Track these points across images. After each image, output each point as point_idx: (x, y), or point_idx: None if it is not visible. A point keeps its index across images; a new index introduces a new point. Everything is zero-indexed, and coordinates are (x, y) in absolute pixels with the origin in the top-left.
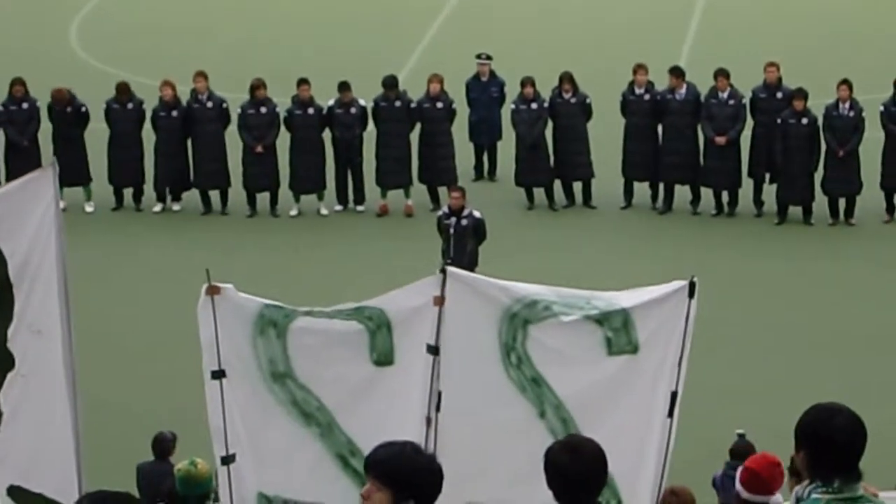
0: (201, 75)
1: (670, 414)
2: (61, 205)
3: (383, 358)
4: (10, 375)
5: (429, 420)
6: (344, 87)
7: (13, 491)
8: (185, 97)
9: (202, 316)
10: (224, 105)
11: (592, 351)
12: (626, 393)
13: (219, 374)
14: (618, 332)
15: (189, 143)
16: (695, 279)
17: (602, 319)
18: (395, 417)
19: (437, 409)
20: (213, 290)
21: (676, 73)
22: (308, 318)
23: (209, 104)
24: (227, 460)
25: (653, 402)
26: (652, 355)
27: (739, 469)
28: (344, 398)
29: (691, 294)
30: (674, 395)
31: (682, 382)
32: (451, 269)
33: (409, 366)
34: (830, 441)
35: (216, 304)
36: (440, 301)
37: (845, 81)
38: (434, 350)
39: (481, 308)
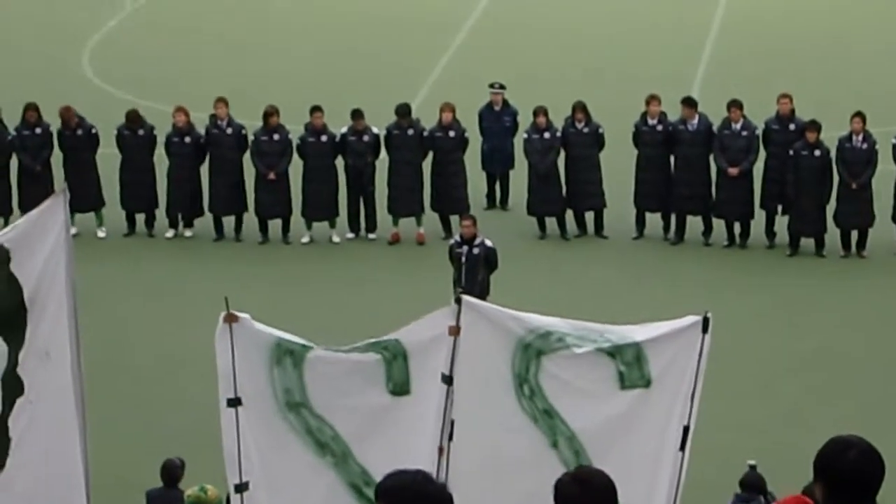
0: (222, 101)
1: (682, 448)
2: (73, 230)
3: (399, 388)
4: (19, 401)
5: (441, 449)
6: (357, 114)
7: None
8: (198, 123)
9: (220, 344)
10: (243, 132)
11: (605, 384)
12: (639, 427)
13: (234, 402)
14: (630, 367)
15: (202, 169)
16: (709, 314)
17: (615, 353)
18: (409, 447)
19: (450, 437)
20: (231, 318)
21: (689, 103)
22: (325, 350)
23: (229, 130)
24: (241, 488)
25: (664, 436)
26: (664, 390)
27: None
28: (359, 428)
29: (705, 329)
30: (686, 430)
31: (694, 417)
32: (466, 298)
33: (424, 395)
34: (843, 474)
35: (234, 333)
36: (455, 331)
37: (859, 114)
38: (448, 380)
39: (495, 338)
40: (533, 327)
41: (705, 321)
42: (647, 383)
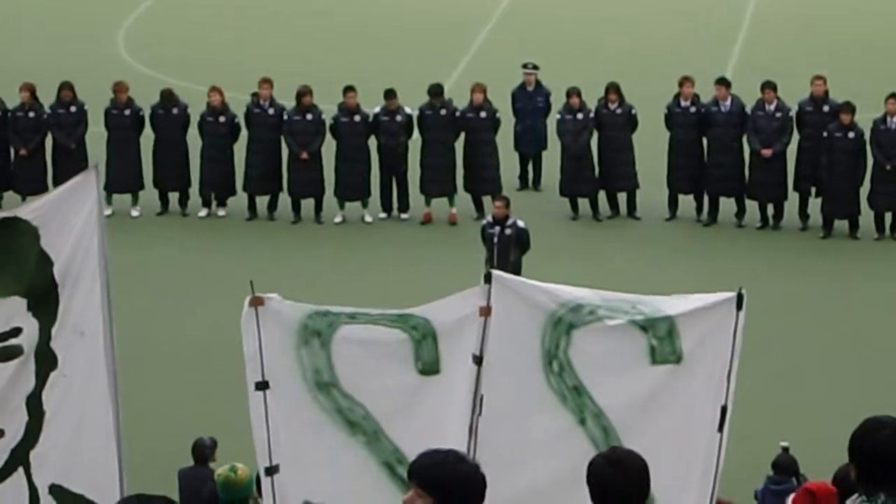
0: (267, 82)
1: (720, 429)
2: (108, 210)
3: (428, 367)
4: (53, 374)
5: (471, 429)
6: (390, 94)
7: (55, 490)
8: (232, 103)
9: (246, 328)
10: (284, 113)
11: (636, 359)
12: (669, 404)
13: (262, 386)
14: (662, 341)
15: (236, 148)
16: (743, 291)
17: (647, 326)
18: (440, 426)
19: (479, 413)
20: (256, 302)
21: (723, 83)
22: (352, 325)
23: (271, 111)
24: (271, 471)
25: (699, 415)
26: (697, 367)
27: (797, 491)
28: (390, 407)
29: (739, 306)
30: (724, 410)
31: (731, 397)
32: (496, 273)
33: (454, 375)
34: (874, 454)
35: (260, 316)
36: (486, 311)
37: (894, 95)
38: (479, 360)
39: (525, 314)
40: (564, 301)
41: (739, 297)
42: (678, 359)
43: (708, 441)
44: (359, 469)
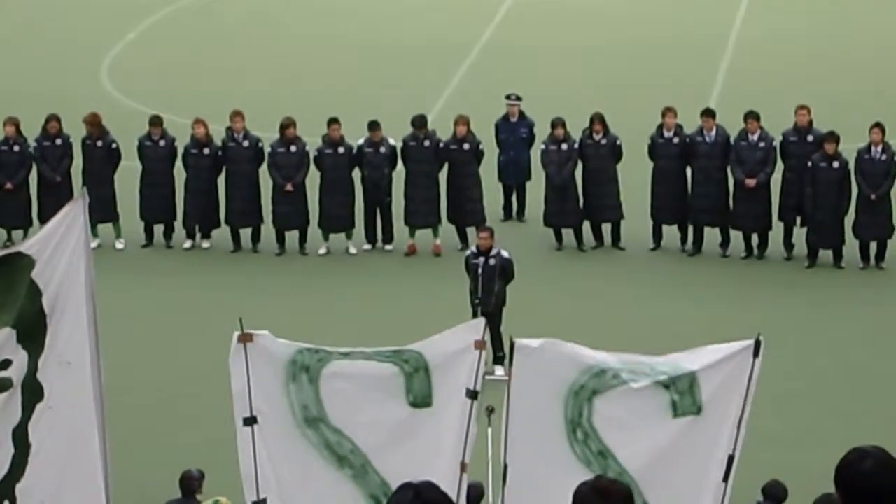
0: (239, 115)
1: (725, 478)
2: (94, 243)
3: (420, 400)
4: (39, 406)
5: (463, 465)
6: (374, 125)
7: None
8: (217, 135)
9: (234, 364)
10: (259, 144)
11: (658, 414)
12: (688, 454)
13: (251, 421)
14: (683, 395)
15: (220, 180)
16: (761, 337)
17: (669, 383)
18: (430, 459)
19: (504, 481)
20: (245, 338)
21: (709, 114)
22: (343, 361)
23: (245, 143)
24: None
25: (711, 462)
26: (713, 415)
27: None
28: (379, 440)
29: (756, 353)
30: (730, 459)
31: (739, 445)
32: (519, 341)
33: (446, 409)
34: (860, 484)
35: (248, 352)
36: (481, 345)
37: (878, 125)
38: (473, 395)
39: (547, 385)
40: (585, 367)
41: (757, 344)
42: (698, 410)
43: (714, 490)
44: (345, 502)
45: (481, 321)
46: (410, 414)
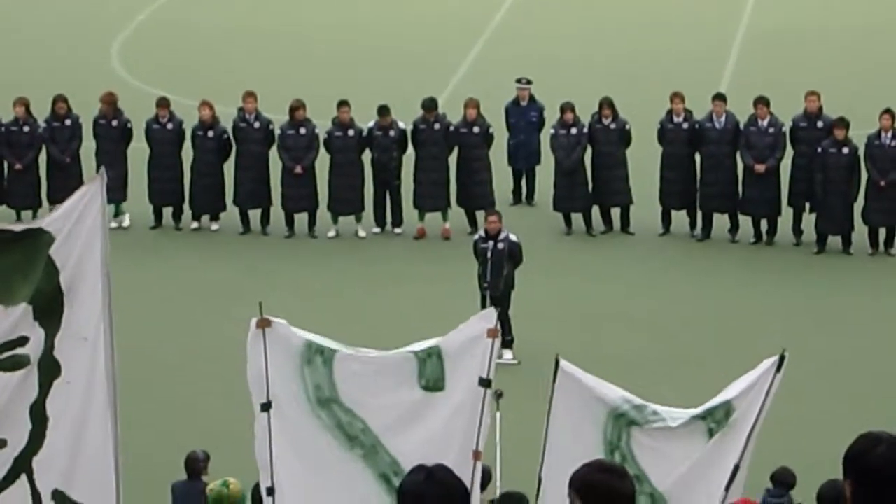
0: (251, 95)
1: (727, 488)
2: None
3: (432, 385)
4: (56, 383)
5: (477, 454)
6: (383, 110)
7: (57, 495)
8: (224, 117)
9: (252, 349)
10: (270, 126)
11: (695, 444)
12: (714, 466)
13: (267, 407)
14: (720, 423)
15: (227, 162)
16: (786, 353)
17: (706, 415)
18: (440, 443)
19: (536, 496)
20: (263, 323)
21: (720, 98)
22: (355, 350)
23: (256, 124)
24: (272, 491)
25: (720, 473)
26: (738, 429)
27: None
28: (390, 421)
29: (779, 368)
30: (735, 469)
31: (747, 456)
32: (563, 363)
33: (458, 396)
34: (870, 470)
35: (267, 338)
36: (494, 333)
37: (888, 111)
38: (486, 383)
39: (589, 405)
40: (629, 397)
41: (781, 359)
42: (728, 425)
43: (717, 499)
44: (355, 482)
45: (493, 311)
46: (422, 397)
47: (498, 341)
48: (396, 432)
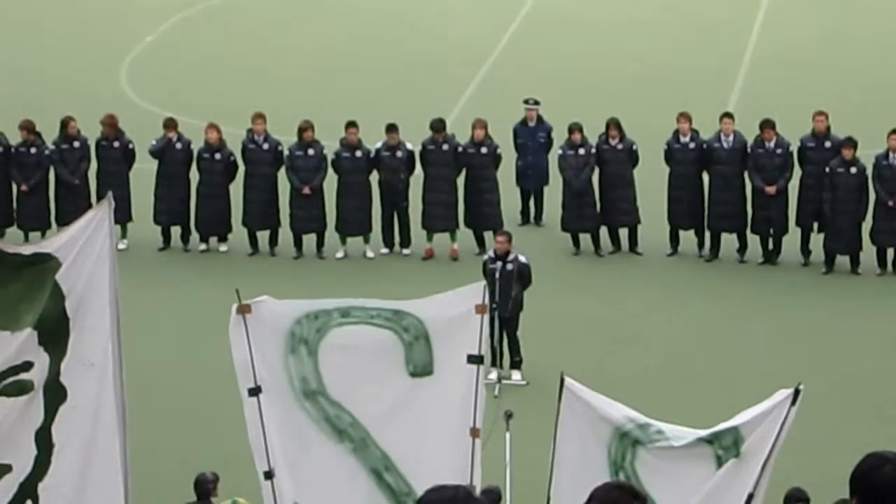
0: (260, 117)
1: None
2: (123, 244)
3: (420, 369)
4: (62, 408)
5: (475, 431)
6: (391, 128)
7: None
8: (231, 139)
9: (234, 335)
10: (279, 148)
11: (701, 467)
12: (726, 496)
13: (256, 391)
14: (728, 450)
15: (232, 185)
16: (801, 387)
17: (713, 439)
18: (433, 428)
19: None
20: (244, 309)
21: (729, 117)
22: (342, 328)
23: (265, 146)
24: (270, 475)
25: (734, 502)
26: (751, 458)
27: None
28: (379, 413)
29: (794, 401)
30: (750, 497)
31: (763, 485)
32: (569, 381)
33: (448, 375)
34: (876, 489)
35: (248, 323)
36: (482, 309)
37: None
38: (478, 359)
39: (594, 424)
40: (632, 416)
41: (796, 393)
42: (738, 454)
43: None
44: (345, 476)
45: (481, 285)
46: (411, 384)
47: (486, 317)
48: (385, 424)
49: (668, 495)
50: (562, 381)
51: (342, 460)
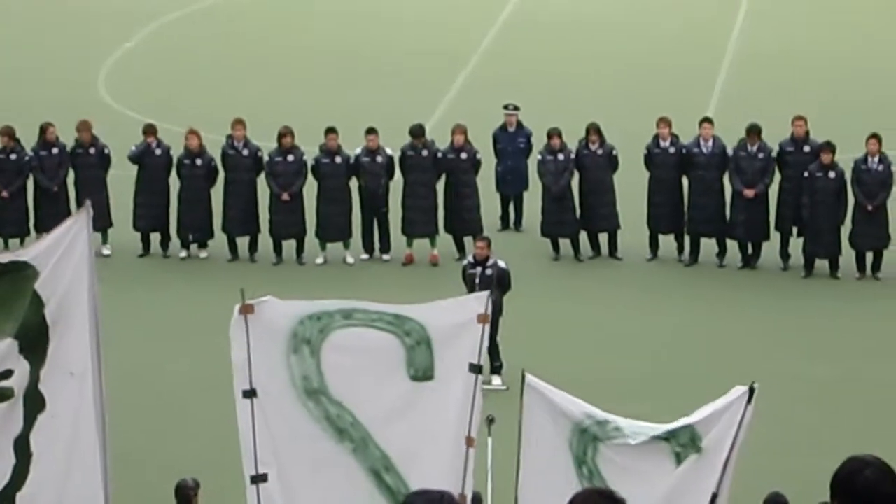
0: (240, 123)
1: None
2: (106, 251)
3: (421, 374)
4: (41, 417)
5: (469, 440)
6: (371, 131)
7: None
8: (211, 145)
9: (235, 335)
10: (259, 153)
11: (662, 466)
12: (688, 492)
13: (250, 394)
14: (686, 447)
15: (213, 191)
16: (755, 385)
17: (669, 437)
18: (431, 433)
19: None
20: (246, 310)
21: (708, 121)
22: (345, 330)
23: (245, 151)
24: (257, 479)
25: (698, 501)
26: (710, 458)
27: None
28: (380, 413)
29: (749, 400)
30: (714, 497)
31: (725, 485)
32: (529, 378)
33: (448, 383)
34: (858, 493)
35: (249, 324)
36: (484, 319)
37: (875, 135)
38: (477, 369)
39: (554, 419)
40: (591, 412)
41: (751, 391)
42: (699, 450)
43: None
44: (345, 476)
45: (485, 294)
46: (411, 387)
47: (488, 327)
48: (385, 425)
49: (632, 490)
50: (523, 378)
51: (342, 460)
